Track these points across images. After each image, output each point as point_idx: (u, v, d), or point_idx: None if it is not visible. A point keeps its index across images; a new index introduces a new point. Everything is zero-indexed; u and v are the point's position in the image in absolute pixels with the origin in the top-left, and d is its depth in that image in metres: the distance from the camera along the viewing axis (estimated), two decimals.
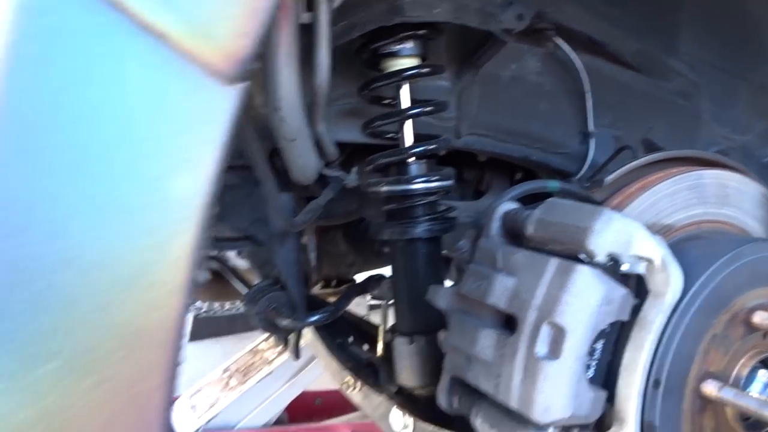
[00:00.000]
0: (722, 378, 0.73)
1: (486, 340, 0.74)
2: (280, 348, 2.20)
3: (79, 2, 0.35)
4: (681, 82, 1.31)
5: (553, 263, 0.70)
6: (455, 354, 0.80)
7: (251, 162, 0.98)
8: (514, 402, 0.69)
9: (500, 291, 0.74)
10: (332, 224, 1.77)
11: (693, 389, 0.72)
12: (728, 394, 0.70)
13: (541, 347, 0.67)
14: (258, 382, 2.11)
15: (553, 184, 0.96)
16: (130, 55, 0.37)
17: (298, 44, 0.89)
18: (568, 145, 1.32)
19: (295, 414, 2.33)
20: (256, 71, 1.07)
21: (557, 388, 0.66)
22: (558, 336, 0.67)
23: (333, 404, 2.45)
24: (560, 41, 1.22)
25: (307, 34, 0.92)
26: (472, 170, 1.55)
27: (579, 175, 1.33)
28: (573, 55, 1.23)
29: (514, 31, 1.12)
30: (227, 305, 3.85)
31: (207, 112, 0.39)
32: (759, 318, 0.74)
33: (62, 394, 0.36)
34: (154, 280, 0.38)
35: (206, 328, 3.75)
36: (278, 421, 2.24)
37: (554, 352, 0.67)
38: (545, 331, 0.67)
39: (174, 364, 0.40)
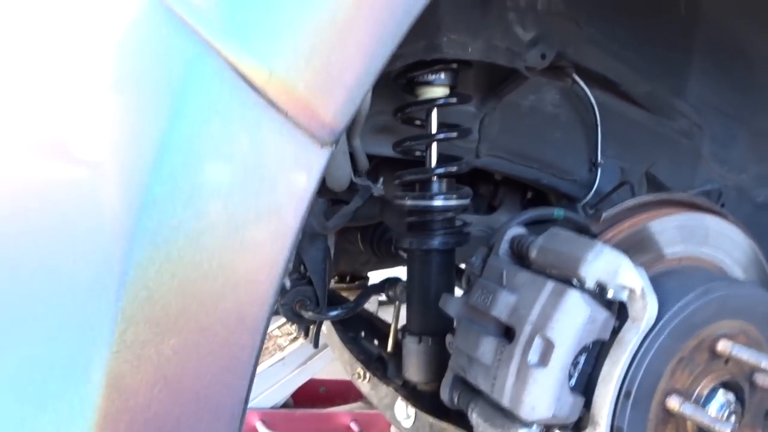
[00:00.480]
0: (685, 395, 0.85)
1: (487, 346, 0.87)
2: (293, 336, 2.34)
3: (227, 82, 0.48)
4: (685, 123, 1.43)
5: (549, 285, 0.82)
6: (459, 355, 0.93)
7: None
8: (506, 401, 0.82)
9: (503, 305, 0.86)
10: (353, 225, 1.90)
11: (659, 402, 0.85)
12: (687, 409, 0.83)
13: (533, 356, 0.80)
14: (270, 366, 2.24)
15: (558, 213, 1.08)
16: (260, 125, 0.49)
17: None
18: (576, 173, 1.44)
19: (300, 400, 2.47)
20: None
21: (543, 392, 0.79)
22: (547, 348, 0.79)
23: (336, 393, 2.59)
24: (577, 78, 1.34)
25: None
26: (488, 186, 1.68)
27: (584, 201, 1.45)
28: (588, 91, 1.35)
29: (537, 68, 1.24)
30: None
31: (305, 168, 0.52)
32: (722, 346, 0.86)
33: (180, 362, 0.49)
34: (253, 283, 0.50)
35: None
36: (285, 405, 2.38)
37: (543, 361, 0.79)
38: (537, 343, 0.80)
39: (260, 345, 0.53)
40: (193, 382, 0.50)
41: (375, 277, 1.97)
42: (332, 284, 2.17)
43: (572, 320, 0.79)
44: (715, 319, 0.87)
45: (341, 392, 2.53)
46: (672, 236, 0.93)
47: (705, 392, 0.87)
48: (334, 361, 2.26)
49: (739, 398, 0.89)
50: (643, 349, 0.82)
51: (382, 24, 0.54)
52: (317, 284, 1.29)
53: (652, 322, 0.82)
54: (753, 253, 1.02)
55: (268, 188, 0.51)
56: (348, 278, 2.23)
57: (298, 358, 2.23)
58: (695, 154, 1.44)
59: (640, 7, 1.34)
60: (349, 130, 1.16)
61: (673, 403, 0.84)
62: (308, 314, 1.28)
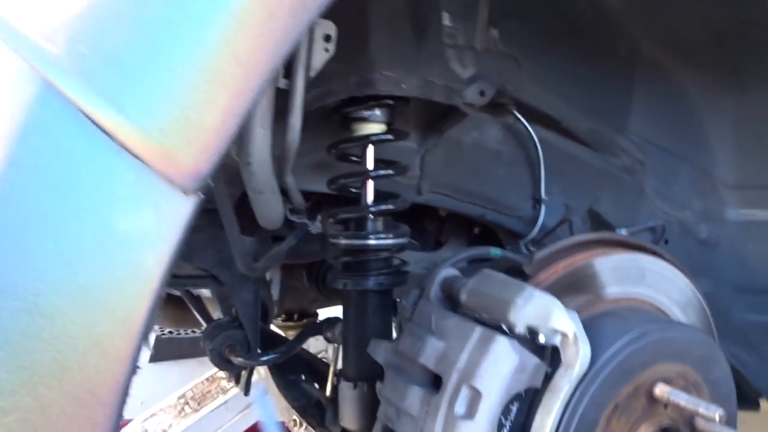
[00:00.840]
0: None
1: (414, 397, 0.81)
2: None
3: (73, 125, 0.43)
4: (628, 159, 1.42)
5: (478, 331, 0.78)
6: (388, 405, 0.87)
7: (220, 211, 1.06)
8: None
9: (430, 352, 0.82)
10: (298, 262, 1.84)
11: None
12: None
13: (460, 407, 0.75)
14: (212, 411, 2.14)
15: (495, 252, 1.05)
16: (110, 171, 0.44)
17: (273, 108, 0.98)
18: (521, 209, 1.42)
19: None
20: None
21: None
22: (475, 398, 0.74)
23: None
24: (518, 115, 1.32)
25: (283, 98, 1.01)
26: (433, 222, 1.64)
27: (529, 237, 1.43)
28: (529, 128, 1.33)
29: (476, 105, 1.22)
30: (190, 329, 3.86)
31: (169, 219, 0.47)
32: (659, 390, 0.82)
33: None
34: (106, 349, 0.44)
35: (168, 350, 3.74)
36: None
37: (470, 413, 0.74)
38: (464, 393, 0.75)
39: (117, 421, 0.46)
40: None
41: (324, 314, 1.90)
42: (279, 322, 2.10)
43: (500, 368, 0.74)
44: (652, 363, 0.83)
45: None
46: (609, 276, 0.90)
47: None
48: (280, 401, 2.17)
49: None
50: (576, 397, 0.78)
51: (247, 63, 0.50)
52: (248, 328, 1.22)
53: (585, 367, 0.78)
54: (691, 293, 1.00)
55: (121, 240, 0.45)
56: (296, 316, 2.16)
57: (242, 401, 2.13)
58: (638, 191, 1.43)
59: (580, 47, 1.34)
60: (279, 167, 1.11)
61: None
62: (238, 360, 1.21)
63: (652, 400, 0.84)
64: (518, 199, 1.42)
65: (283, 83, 1.00)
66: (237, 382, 1.31)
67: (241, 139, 0.99)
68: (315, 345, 2.17)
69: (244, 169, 1.03)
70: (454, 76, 1.17)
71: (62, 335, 0.43)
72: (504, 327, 0.79)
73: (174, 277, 1.27)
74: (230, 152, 1.18)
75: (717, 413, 0.77)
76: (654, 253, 0.97)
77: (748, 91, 1.37)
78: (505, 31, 1.24)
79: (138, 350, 0.47)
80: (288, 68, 1.00)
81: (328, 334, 1.39)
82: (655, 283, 0.95)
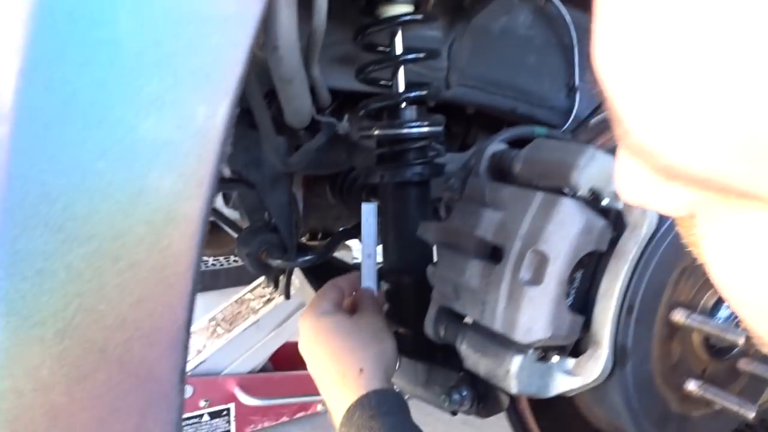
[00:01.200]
0: (690, 307, 0.78)
1: (473, 270, 0.78)
2: (266, 298, 2.25)
3: None
4: None
5: (539, 196, 0.74)
6: (444, 284, 0.85)
7: (249, 100, 1.01)
8: (498, 325, 0.74)
9: (487, 224, 0.78)
10: (321, 174, 1.80)
11: (663, 317, 0.78)
12: (696, 320, 0.76)
13: (525, 274, 0.72)
14: (244, 330, 2.15)
15: (540, 131, 1.00)
16: None
17: None
18: (554, 99, 1.36)
19: (279, 364, 2.39)
20: None
21: (539, 311, 0.71)
22: (541, 263, 0.71)
23: None
24: None
25: None
26: (459, 125, 1.59)
27: (563, 129, 1.37)
28: (563, 9, 1.26)
29: None
30: (210, 261, 3.87)
31: (238, 16, 0.42)
32: None
33: (95, 275, 0.39)
34: (185, 171, 0.40)
35: None
36: (263, 370, 2.29)
37: (537, 278, 0.72)
38: (529, 259, 0.72)
39: (198, 253, 0.43)
40: (117, 298, 0.40)
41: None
42: (303, 242, 2.08)
43: (567, 230, 0.71)
44: None
45: None
46: None
47: (710, 304, 0.80)
48: None
49: None
50: (644, 260, 0.75)
51: None
52: (283, 230, 1.19)
53: (653, 229, 0.74)
54: None
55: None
56: (319, 236, 2.14)
57: (272, 321, 2.14)
58: None
59: None
60: (307, 56, 1.05)
61: (679, 316, 0.77)
62: (276, 262, 1.18)
63: None
64: (551, 88, 1.36)
65: None
66: (276, 286, 1.29)
67: (266, 21, 0.93)
68: None
69: (272, 55, 0.97)
70: None
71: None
72: (566, 191, 0.75)
73: None
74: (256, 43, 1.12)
75: None
76: None
77: None
78: None
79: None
80: None
81: None
82: None
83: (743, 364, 0.83)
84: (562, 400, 0.87)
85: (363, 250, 1.07)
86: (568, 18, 1.27)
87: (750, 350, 0.82)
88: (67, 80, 0.37)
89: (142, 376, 0.41)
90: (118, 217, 0.39)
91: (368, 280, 1.05)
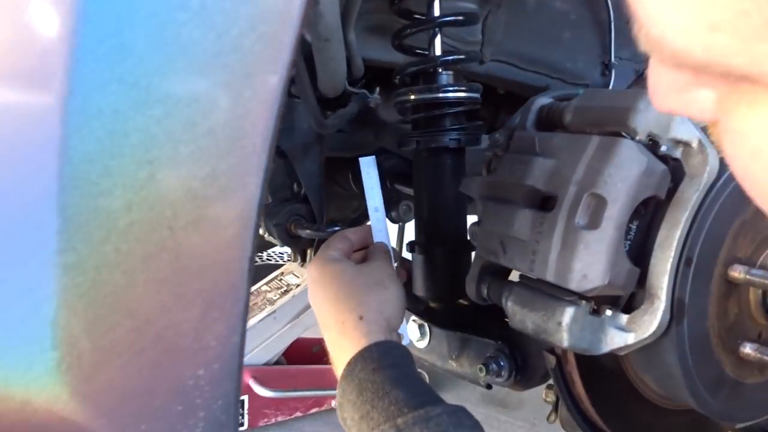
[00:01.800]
0: (748, 264, 0.75)
1: (522, 220, 0.75)
2: (282, 290, 2.22)
3: None
4: None
5: (595, 140, 0.71)
6: (489, 239, 0.82)
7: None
8: (550, 275, 0.71)
9: (538, 172, 0.75)
10: (344, 158, 1.78)
11: (721, 273, 0.74)
12: (756, 275, 0.72)
13: (581, 218, 0.69)
14: (260, 321, 2.12)
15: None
16: None
17: None
18: (589, 77, 1.33)
19: (293, 360, 2.35)
20: None
21: (596, 256, 0.68)
22: (599, 206, 0.68)
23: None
24: None
25: None
26: (488, 108, 1.57)
27: None
28: None
29: None
30: None
31: None
32: None
33: (168, 141, 0.36)
34: (263, 32, 0.37)
35: None
36: (277, 363, 2.26)
37: (594, 222, 0.68)
38: (585, 203, 0.69)
39: (278, 115, 0.39)
40: (191, 168, 0.37)
41: None
42: None
43: (627, 172, 0.68)
44: None
45: None
46: None
47: None
48: None
49: None
50: (703, 210, 0.72)
51: None
52: (313, 199, 1.17)
53: (713, 177, 0.71)
54: None
55: None
56: (338, 227, 2.11)
57: (289, 313, 2.10)
58: None
59: None
60: (345, 17, 1.03)
61: (738, 271, 0.74)
62: (305, 233, 1.16)
63: None
64: (586, 65, 1.33)
65: None
66: (303, 259, 1.26)
67: None
68: None
69: (313, 11, 0.95)
70: None
71: None
72: (624, 135, 0.72)
73: None
74: None
75: None
76: None
77: None
78: None
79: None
80: None
81: (393, 214, 1.34)
82: None
83: None
84: (611, 365, 0.83)
85: (368, 205, 1.03)
86: None
87: None
88: None
89: (210, 261, 0.38)
90: (196, 76, 0.36)
91: (379, 234, 1.01)
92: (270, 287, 2.19)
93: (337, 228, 1.18)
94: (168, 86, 0.36)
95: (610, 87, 1.33)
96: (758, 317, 0.78)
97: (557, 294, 0.73)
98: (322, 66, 1.05)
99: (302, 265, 1.21)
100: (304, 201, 1.20)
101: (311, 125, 1.06)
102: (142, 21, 0.35)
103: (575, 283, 0.68)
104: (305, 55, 1.19)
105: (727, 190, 0.73)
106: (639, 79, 1.27)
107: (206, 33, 0.36)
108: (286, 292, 2.11)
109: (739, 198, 0.74)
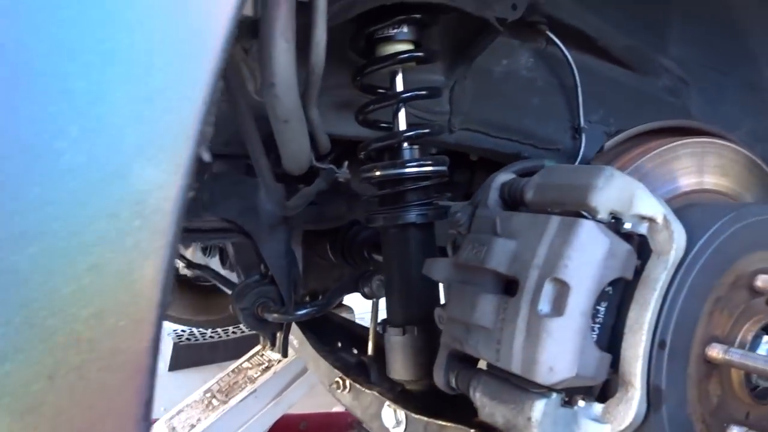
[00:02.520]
0: (726, 343, 0.71)
1: (486, 306, 0.71)
2: (264, 366, 2.15)
3: None
4: (670, 79, 1.32)
5: (555, 220, 0.68)
6: (454, 326, 0.77)
7: (248, 147, 0.96)
8: (516, 367, 0.67)
9: (500, 254, 0.72)
10: (322, 230, 1.75)
11: (698, 354, 0.70)
12: (735, 356, 0.68)
13: (544, 305, 0.65)
14: (241, 401, 2.04)
15: (550, 163, 0.95)
16: None
17: (294, 21, 0.89)
18: (559, 141, 1.32)
19: None
20: (249, 53, 1.07)
21: (562, 346, 0.64)
22: (562, 292, 0.65)
23: (318, 427, 2.39)
24: (552, 35, 1.23)
25: (304, 13, 0.92)
26: (463, 172, 1.55)
27: None
28: (564, 50, 1.24)
29: (508, 20, 1.12)
30: (208, 333, 3.76)
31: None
32: (762, 282, 0.73)
33: (45, 281, 0.33)
34: (157, 155, 0.34)
35: (186, 357, 3.63)
36: None
37: (558, 309, 0.64)
38: (548, 289, 0.65)
39: (171, 254, 0.36)
40: (71, 310, 0.33)
41: (349, 299, 1.80)
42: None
43: (589, 255, 0.64)
44: (750, 250, 0.73)
45: (324, 426, 2.33)
46: (688, 165, 0.81)
47: (748, 338, 0.73)
48: (313, 389, 2.07)
49: None
50: (674, 289, 0.68)
51: None
52: (281, 281, 1.13)
53: (681, 254, 0.68)
54: None
55: None
56: (320, 297, 2.06)
57: (271, 390, 2.02)
58: (684, 113, 1.33)
59: None
60: (305, 96, 1.02)
61: (716, 351, 0.70)
62: (273, 316, 1.11)
63: (754, 293, 0.74)
64: (556, 130, 1.32)
65: None
66: (273, 344, 1.21)
67: (262, 55, 0.90)
68: None
69: (268, 93, 0.94)
70: None
71: None
72: (584, 215, 0.69)
73: (198, 231, 1.18)
74: (250, 89, 1.10)
75: None
76: (730, 140, 0.87)
77: None
78: None
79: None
80: None
81: (365, 289, 1.30)
82: (734, 172, 0.85)
83: None
84: None
85: None
86: (570, 59, 1.25)
87: None
88: (22, 44, 0.32)
89: (99, 408, 0.34)
90: (75, 208, 0.33)
91: None
92: (251, 363, 2.12)
93: (306, 310, 1.13)
94: (44, 221, 0.32)
95: (581, 150, 1.31)
96: (743, 397, 0.74)
97: (526, 385, 0.68)
98: (283, 146, 1.03)
99: (272, 350, 1.16)
100: (273, 282, 1.15)
101: (272, 208, 1.04)
102: (18, 149, 0.32)
103: (541, 377, 0.64)
104: (267, 135, 1.18)
105: (697, 266, 0.69)
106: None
107: (88, 163, 0.33)
108: (268, 368, 2.04)
109: (712, 273, 0.70)
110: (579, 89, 1.28)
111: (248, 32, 0.96)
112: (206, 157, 0.37)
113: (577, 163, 1.34)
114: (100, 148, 0.34)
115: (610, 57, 1.29)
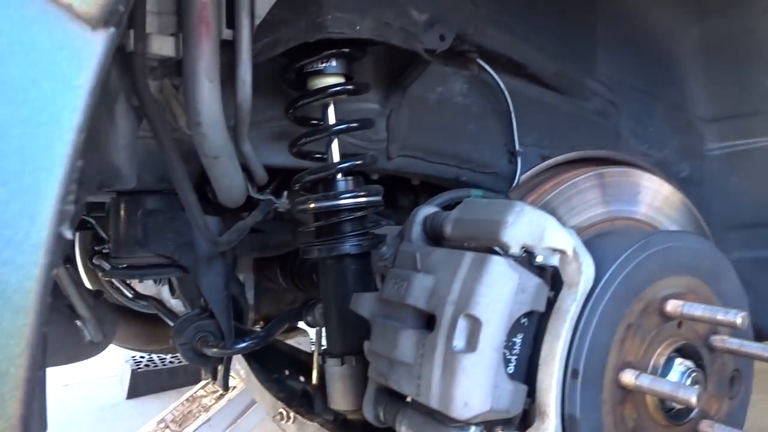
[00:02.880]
0: (640, 367, 0.73)
1: (406, 341, 0.73)
2: (218, 394, 2.13)
3: None
4: (599, 102, 1.37)
5: (468, 257, 0.70)
6: (378, 360, 0.79)
7: (173, 179, 0.96)
8: (434, 402, 0.68)
9: (419, 290, 0.73)
10: (269, 257, 1.74)
11: (612, 380, 0.73)
12: (645, 381, 0.71)
13: (459, 341, 0.67)
14: (196, 430, 2.01)
15: (476, 193, 0.97)
16: None
17: (218, 60, 0.89)
18: (496, 165, 1.35)
19: None
20: (180, 89, 1.07)
21: (475, 381, 0.65)
22: (474, 328, 0.66)
23: None
24: (482, 63, 1.26)
25: (229, 51, 0.93)
26: (407, 196, 1.57)
27: (507, 193, 1.36)
28: (495, 76, 1.27)
29: (437, 51, 1.15)
30: (168, 358, 3.70)
31: (72, 56, 0.38)
32: (671, 307, 0.75)
33: None
34: (11, 236, 0.35)
35: (145, 384, 3.56)
36: None
37: (471, 344, 0.66)
38: (462, 325, 0.67)
39: (38, 335, 0.36)
40: None
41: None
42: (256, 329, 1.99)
43: (499, 290, 0.66)
44: (659, 277, 0.76)
45: None
46: (600, 194, 0.83)
47: (661, 362, 0.75)
48: (268, 416, 2.05)
49: (699, 365, 0.78)
50: (584, 318, 0.70)
51: None
52: (219, 315, 1.12)
53: (590, 284, 0.70)
54: (688, 211, 0.93)
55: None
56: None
57: (226, 418, 2.00)
58: (614, 134, 1.38)
59: None
60: (235, 131, 1.02)
61: (628, 377, 0.72)
62: (212, 351, 1.11)
63: (665, 318, 0.77)
64: (493, 154, 1.35)
65: (227, 34, 0.92)
66: (214, 378, 1.20)
67: (187, 97, 0.91)
68: None
69: (196, 131, 0.94)
70: (410, 19, 1.10)
71: None
72: (497, 250, 0.71)
73: (135, 268, 1.17)
74: (182, 125, 1.10)
75: (738, 317, 0.70)
76: (645, 169, 0.90)
77: (710, 18, 1.33)
78: None
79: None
80: (231, 17, 0.92)
81: (309, 318, 1.30)
82: (649, 200, 0.88)
83: (705, 427, 0.77)
84: None
85: None
86: (502, 85, 1.28)
87: (709, 411, 0.77)
88: None
89: None
90: None
91: None
92: (206, 391, 2.10)
93: (244, 344, 1.13)
94: None
95: (518, 173, 1.34)
96: (659, 419, 0.76)
97: (446, 419, 0.69)
98: (215, 182, 1.04)
99: (214, 384, 1.15)
100: (213, 315, 1.15)
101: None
102: None
103: (457, 412, 0.65)
104: (199, 170, 1.18)
105: (607, 295, 0.72)
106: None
107: None
108: (222, 396, 2.02)
109: (622, 301, 0.73)
110: (513, 114, 1.31)
111: (176, 70, 0.96)
112: (68, 235, 0.38)
113: (514, 185, 1.37)
114: None
115: (541, 82, 1.33)
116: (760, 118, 1.33)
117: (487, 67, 1.26)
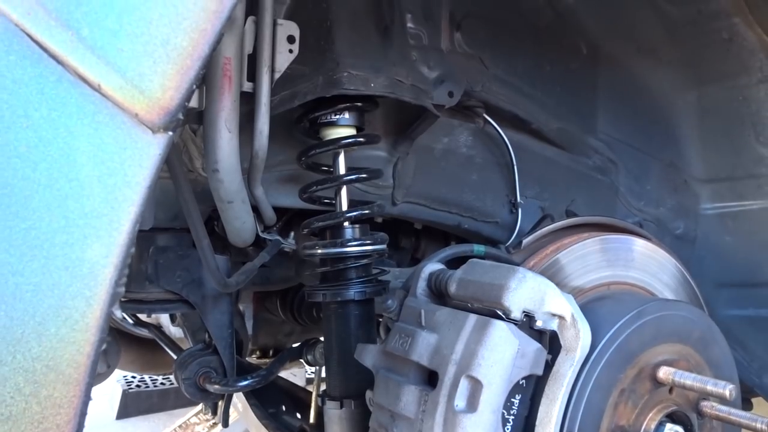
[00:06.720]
0: (632, 431, 0.76)
1: (409, 396, 0.76)
2: (212, 422, 2.13)
3: (15, 53, 0.38)
4: (599, 159, 1.42)
5: (472, 319, 0.73)
6: (380, 412, 0.81)
7: (188, 222, 1.00)
8: None
9: (423, 347, 0.76)
10: (270, 290, 1.77)
11: None
12: None
13: (460, 401, 0.70)
14: None
15: (479, 249, 1.01)
16: (64, 102, 0.39)
17: (238, 111, 0.94)
18: (497, 215, 1.39)
19: None
20: (197, 133, 1.11)
21: None
22: (475, 389, 0.69)
23: None
24: (488, 117, 1.31)
25: (249, 101, 0.98)
26: (409, 238, 1.60)
27: (508, 243, 1.39)
28: (500, 131, 1.32)
29: (445, 106, 1.20)
30: (159, 379, 3.69)
31: (134, 157, 0.42)
32: (663, 373, 0.79)
33: None
34: (68, 315, 0.38)
35: (136, 405, 3.55)
36: None
37: (472, 405, 0.69)
38: (464, 385, 0.70)
39: (84, 402, 0.40)
40: None
41: None
42: (254, 360, 2.01)
43: (500, 355, 0.70)
44: (652, 344, 0.79)
45: None
46: (598, 260, 0.87)
47: (652, 426, 0.78)
48: None
49: (689, 431, 0.81)
50: (580, 383, 0.74)
51: None
52: (223, 352, 1.15)
53: (587, 350, 0.74)
54: (681, 275, 0.97)
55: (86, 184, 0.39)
56: (271, 352, 2.07)
57: None
58: (612, 190, 1.43)
59: (544, 47, 1.34)
60: (249, 177, 1.06)
61: None
62: (214, 387, 1.13)
63: (657, 383, 0.80)
64: (494, 204, 1.39)
65: (247, 86, 0.97)
66: (214, 413, 1.22)
67: (206, 145, 0.95)
68: None
69: (212, 177, 0.98)
70: (421, 76, 1.16)
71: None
72: (499, 313, 0.74)
73: (142, 302, 1.20)
74: (197, 166, 1.14)
75: (727, 389, 0.74)
76: (642, 236, 0.94)
77: (707, 85, 1.39)
78: (468, 31, 1.24)
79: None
80: (252, 71, 0.97)
81: (309, 357, 1.33)
82: (645, 266, 0.92)
83: None
84: None
85: None
86: (506, 139, 1.33)
87: None
88: None
89: None
90: None
91: None
92: (199, 419, 2.10)
93: (247, 382, 1.16)
94: None
95: (518, 223, 1.39)
96: None
97: None
98: (228, 224, 1.07)
99: (213, 418, 1.17)
100: (217, 351, 1.18)
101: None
102: None
103: None
104: (210, 213, 1.22)
105: (602, 361, 0.75)
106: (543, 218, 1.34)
107: (5, 325, 0.37)
108: (216, 424, 2.03)
109: (616, 367, 0.76)
110: (515, 166, 1.36)
111: (196, 119, 1.01)
112: (117, 314, 0.41)
113: (515, 235, 1.41)
114: (18, 313, 0.37)
115: (544, 138, 1.38)
116: (752, 181, 1.37)
117: (492, 122, 1.31)
